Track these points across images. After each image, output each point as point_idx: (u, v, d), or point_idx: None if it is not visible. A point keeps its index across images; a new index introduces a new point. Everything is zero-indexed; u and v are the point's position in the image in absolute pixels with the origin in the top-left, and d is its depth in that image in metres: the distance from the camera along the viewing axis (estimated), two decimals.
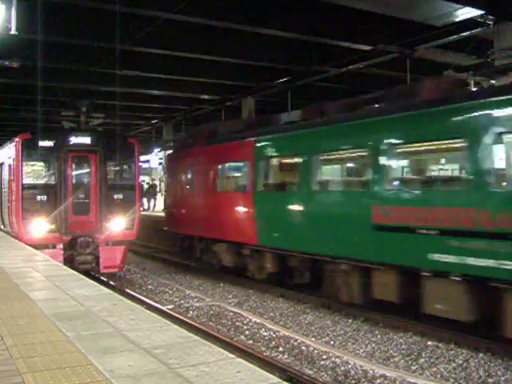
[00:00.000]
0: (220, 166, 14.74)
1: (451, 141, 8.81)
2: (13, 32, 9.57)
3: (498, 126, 7.62)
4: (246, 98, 21.21)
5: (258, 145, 12.85)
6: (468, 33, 13.09)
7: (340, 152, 11.35)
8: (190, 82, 19.76)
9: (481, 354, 7.93)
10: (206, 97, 22.44)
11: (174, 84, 19.90)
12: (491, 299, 7.81)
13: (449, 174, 10.04)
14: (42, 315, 5.02)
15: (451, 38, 13.47)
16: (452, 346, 8.36)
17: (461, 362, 7.72)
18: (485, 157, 7.73)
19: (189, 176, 16.65)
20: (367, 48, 14.54)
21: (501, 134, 7.64)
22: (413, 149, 9.86)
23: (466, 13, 11.85)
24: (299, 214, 11.38)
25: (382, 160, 9.33)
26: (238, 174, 14.53)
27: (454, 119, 8.36)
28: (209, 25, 13.45)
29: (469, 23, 12.46)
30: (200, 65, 17.28)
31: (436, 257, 8.29)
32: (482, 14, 11.83)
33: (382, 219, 9.21)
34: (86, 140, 14.15)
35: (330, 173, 12.12)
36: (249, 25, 13.23)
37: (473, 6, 11.59)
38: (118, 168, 15.01)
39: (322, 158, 11.18)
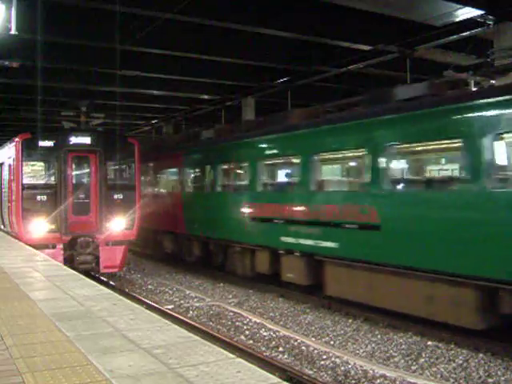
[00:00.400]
0: (163, 171, 18.92)
1: (289, 157, 12.52)
2: (13, 32, 9.58)
3: (308, 149, 11.19)
4: (246, 97, 21.21)
5: (184, 156, 16.84)
6: (468, 33, 13.09)
7: (232, 164, 14.97)
8: (190, 82, 19.76)
9: (481, 354, 7.93)
10: (206, 97, 22.44)
11: (173, 84, 19.90)
12: (318, 268, 11.07)
13: (287, 180, 13.30)
14: (41, 315, 5.02)
15: (451, 38, 13.47)
16: (452, 346, 8.36)
17: (461, 362, 7.72)
18: (304, 169, 11.38)
19: (142, 178, 20.09)
20: (367, 48, 14.54)
21: (315, 153, 11.07)
22: (269, 162, 13.34)
23: (466, 13, 11.85)
24: (209, 209, 14.98)
25: (253, 170, 13.02)
26: (174, 178, 18.37)
27: (291, 142, 12.03)
28: (209, 25, 13.45)
29: (469, 23, 12.46)
30: (200, 65, 17.28)
31: (284, 239, 11.73)
32: (482, 14, 11.83)
33: (255, 213, 12.79)
34: (86, 140, 14.14)
35: (226, 179, 15.45)
36: (249, 25, 13.24)
37: (473, 6, 11.59)
38: (117, 168, 15.00)
39: (221, 167, 14.93)
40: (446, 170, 10.44)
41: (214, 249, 15.12)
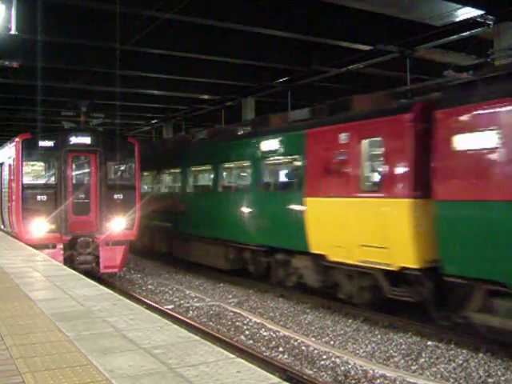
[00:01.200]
0: None
1: (150, 171, 19.48)
2: (13, 32, 9.59)
3: (161, 166, 19.14)
4: (246, 97, 21.21)
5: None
6: (468, 33, 13.08)
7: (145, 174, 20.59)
8: (190, 82, 19.76)
9: (481, 354, 7.93)
10: (206, 97, 22.43)
11: (173, 84, 19.89)
12: (170, 240, 17.77)
13: (154, 186, 19.81)
14: (42, 315, 5.02)
15: (451, 38, 13.46)
16: (452, 346, 8.36)
17: (461, 362, 7.73)
18: (160, 178, 19.20)
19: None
20: (367, 48, 14.53)
21: (166, 169, 18.90)
22: (152, 173, 19.73)
23: (465, 13, 11.84)
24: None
25: (149, 179, 19.99)
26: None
27: (156, 162, 19.13)
28: (209, 25, 13.44)
29: (469, 23, 12.45)
30: (200, 65, 17.27)
31: (153, 222, 17.99)
32: (482, 14, 11.81)
33: (147, 206, 17.41)
34: (86, 140, 14.13)
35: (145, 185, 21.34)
36: (249, 25, 13.22)
37: (473, 6, 11.58)
38: (117, 168, 15.00)
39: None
40: (208, 180, 16.59)
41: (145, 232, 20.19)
